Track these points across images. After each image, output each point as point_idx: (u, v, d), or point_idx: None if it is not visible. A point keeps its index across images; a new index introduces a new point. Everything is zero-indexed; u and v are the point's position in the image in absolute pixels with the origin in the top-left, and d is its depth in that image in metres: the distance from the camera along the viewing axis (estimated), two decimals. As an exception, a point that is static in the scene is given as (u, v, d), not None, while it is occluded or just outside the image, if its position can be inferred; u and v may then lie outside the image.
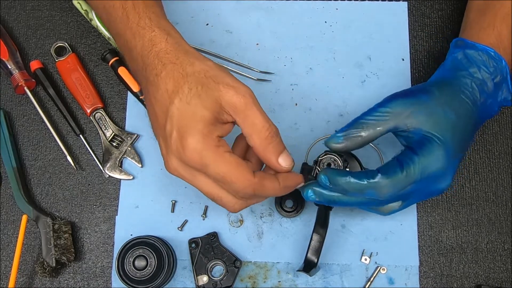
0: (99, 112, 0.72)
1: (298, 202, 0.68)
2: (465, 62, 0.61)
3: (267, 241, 0.68)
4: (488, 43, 0.62)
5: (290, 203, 0.68)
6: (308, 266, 0.61)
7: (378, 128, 0.58)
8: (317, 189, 0.58)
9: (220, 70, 0.55)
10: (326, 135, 0.61)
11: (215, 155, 0.52)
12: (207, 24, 0.75)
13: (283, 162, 0.55)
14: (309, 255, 0.61)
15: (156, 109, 0.55)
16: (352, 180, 0.56)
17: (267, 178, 0.55)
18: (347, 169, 0.59)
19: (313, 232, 0.61)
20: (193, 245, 0.67)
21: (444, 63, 0.64)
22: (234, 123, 0.55)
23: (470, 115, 0.60)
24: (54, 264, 0.66)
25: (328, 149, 0.59)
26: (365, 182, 0.55)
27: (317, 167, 0.59)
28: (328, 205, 0.60)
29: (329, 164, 0.59)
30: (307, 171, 0.60)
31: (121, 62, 0.72)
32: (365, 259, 0.67)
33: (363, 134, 0.57)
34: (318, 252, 0.61)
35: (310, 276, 0.62)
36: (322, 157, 0.59)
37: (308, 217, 0.69)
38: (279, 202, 0.68)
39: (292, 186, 0.57)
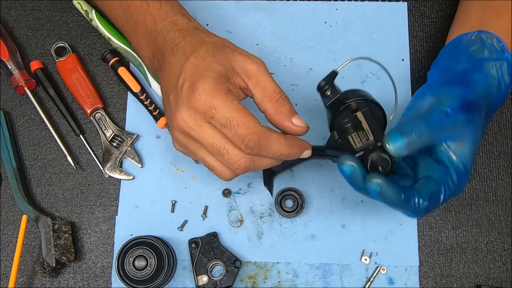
0: (99, 112, 0.72)
1: (298, 202, 0.68)
2: (494, 72, 0.60)
3: (267, 241, 0.68)
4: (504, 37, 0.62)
5: (290, 203, 0.69)
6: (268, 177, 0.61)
7: (434, 139, 0.55)
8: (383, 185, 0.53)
9: (237, 47, 0.58)
10: (358, 57, 0.60)
11: (224, 98, 0.52)
12: (207, 24, 0.75)
13: (297, 121, 0.55)
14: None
15: (171, 71, 0.56)
16: (397, 197, 0.53)
17: (274, 132, 0.53)
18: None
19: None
20: (193, 245, 0.67)
21: (456, 58, 0.63)
22: (244, 91, 0.56)
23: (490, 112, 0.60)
24: (54, 264, 0.66)
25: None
26: (407, 205, 0.53)
27: (371, 159, 0.54)
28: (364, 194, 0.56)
29: (381, 166, 0.54)
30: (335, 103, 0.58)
31: (121, 62, 0.72)
32: (365, 259, 0.67)
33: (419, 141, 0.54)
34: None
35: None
36: (380, 154, 0.54)
37: (308, 217, 0.69)
38: (279, 202, 0.68)
39: (298, 148, 0.55)
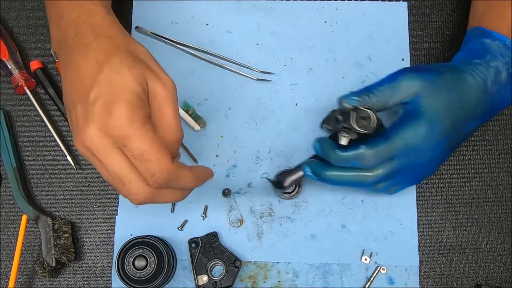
0: (99, 112, 0.72)
1: (296, 183, 0.68)
2: (481, 50, 0.62)
3: (267, 241, 0.68)
4: (505, 32, 0.62)
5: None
6: (278, 183, 0.66)
7: (389, 98, 0.60)
8: (314, 166, 0.61)
9: (152, 57, 0.55)
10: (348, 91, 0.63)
11: (141, 128, 0.49)
12: (207, 24, 0.75)
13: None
14: (286, 179, 0.65)
15: (79, 75, 0.52)
16: (338, 151, 0.59)
17: (183, 167, 0.53)
18: (382, 127, 0.61)
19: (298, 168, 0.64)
20: (193, 245, 0.67)
21: (459, 51, 0.65)
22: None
23: (478, 101, 0.60)
24: (54, 264, 0.66)
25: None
26: (350, 153, 0.58)
27: (353, 116, 0.59)
28: (325, 182, 0.62)
29: (364, 118, 0.59)
30: (335, 119, 0.62)
31: (121, 62, 0.72)
32: (365, 259, 0.67)
33: (374, 100, 0.60)
34: (291, 181, 0.65)
35: (274, 190, 0.68)
36: (361, 108, 0.59)
37: (308, 217, 0.69)
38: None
39: (204, 179, 0.56)
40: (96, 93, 0.50)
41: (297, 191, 0.69)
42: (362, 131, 0.58)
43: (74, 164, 0.71)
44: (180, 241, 0.68)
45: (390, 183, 0.61)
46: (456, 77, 0.60)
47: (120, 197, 0.70)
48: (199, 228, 0.69)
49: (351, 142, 0.60)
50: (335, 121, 0.62)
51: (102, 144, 0.49)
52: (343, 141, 0.59)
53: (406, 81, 0.59)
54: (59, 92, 0.73)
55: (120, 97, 0.49)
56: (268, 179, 0.68)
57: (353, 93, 0.60)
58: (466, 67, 0.61)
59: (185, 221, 0.69)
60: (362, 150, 0.58)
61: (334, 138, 0.61)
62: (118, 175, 0.50)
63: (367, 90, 0.60)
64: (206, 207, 0.70)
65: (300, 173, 0.64)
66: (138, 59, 0.53)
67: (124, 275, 0.63)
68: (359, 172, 0.60)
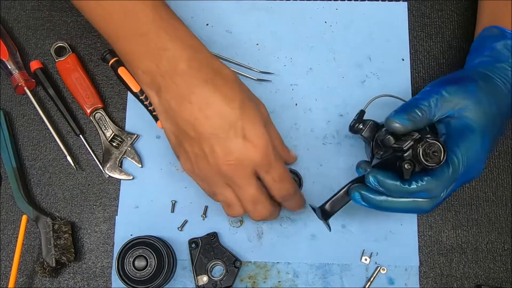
0: (99, 112, 0.72)
1: (296, 181, 0.68)
2: (506, 53, 0.61)
3: (267, 241, 0.68)
4: None
5: None
6: (326, 213, 0.60)
7: (432, 116, 0.57)
8: (365, 193, 0.57)
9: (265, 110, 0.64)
10: (381, 95, 0.63)
11: (279, 160, 0.60)
12: (207, 24, 0.75)
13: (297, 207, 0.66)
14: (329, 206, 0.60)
15: (208, 110, 0.57)
16: (401, 184, 0.55)
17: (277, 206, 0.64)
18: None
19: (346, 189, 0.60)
20: (193, 245, 0.67)
21: (474, 53, 0.64)
22: None
23: (508, 106, 0.60)
24: (54, 264, 0.66)
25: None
26: (415, 187, 0.55)
27: (420, 149, 0.54)
28: (375, 209, 0.58)
29: (434, 152, 0.54)
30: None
31: (121, 62, 0.72)
32: (365, 259, 0.67)
33: (418, 118, 0.56)
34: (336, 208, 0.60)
35: (326, 222, 0.60)
36: (430, 140, 0.54)
37: (308, 217, 0.69)
38: None
39: (302, 204, 0.66)
40: (241, 122, 0.57)
41: (300, 185, 0.69)
42: (432, 165, 0.54)
43: (74, 164, 0.71)
44: (180, 241, 0.68)
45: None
46: (490, 85, 0.59)
47: (120, 197, 0.70)
48: (199, 228, 0.69)
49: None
50: (389, 148, 0.57)
51: (243, 171, 0.58)
52: (406, 174, 0.54)
53: (451, 94, 0.57)
54: (59, 92, 0.73)
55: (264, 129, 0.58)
56: (313, 208, 0.62)
57: (399, 112, 0.56)
58: (494, 73, 0.60)
59: (185, 221, 0.69)
60: (428, 181, 0.54)
61: (384, 164, 0.57)
62: (256, 197, 0.60)
63: (413, 107, 0.57)
64: (206, 207, 0.70)
65: (349, 200, 0.59)
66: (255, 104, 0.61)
67: (124, 275, 0.63)
68: (419, 199, 0.56)
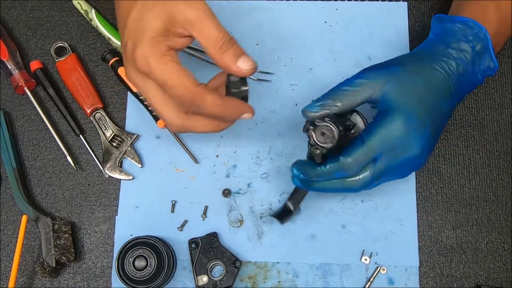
0: (99, 112, 0.72)
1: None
2: (443, 34, 0.63)
3: (267, 241, 0.68)
4: (470, 15, 0.62)
5: None
6: (283, 214, 0.66)
7: (353, 98, 0.59)
8: (300, 179, 0.61)
9: None
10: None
11: (159, 62, 0.54)
12: (207, 24, 0.75)
13: (243, 64, 0.56)
14: (288, 202, 0.66)
15: (119, 24, 0.59)
16: (318, 167, 0.59)
17: (211, 92, 0.56)
18: (352, 132, 0.60)
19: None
20: (193, 245, 0.67)
21: (424, 41, 0.65)
22: (191, 36, 0.57)
23: (445, 84, 0.60)
24: (54, 264, 0.66)
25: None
26: (328, 167, 0.58)
27: (314, 132, 0.58)
28: (313, 190, 0.62)
29: (323, 133, 0.58)
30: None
31: (121, 62, 0.72)
32: (365, 259, 0.67)
33: (338, 104, 0.59)
34: (297, 201, 0.66)
35: (281, 223, 0.67)
36: (318, 123, 0.58)
37: (308, 217, 0.69)
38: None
39: (235, 109, 0.59)
40: (126, 36, 0.56)
41: None
42: (326, 145, 0.58)
43: (74, 164, 0.71)
44: (180, 241, 0.68)
45: (382, 181, 0.61)
46: (418, 64, 0.61)
47: (120, 197, 0.70)
48: (199, 228, 0.69)
49: (333, 151, 0.58)
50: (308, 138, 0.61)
51: (139, 79, 0.57)
52: (317, 158, 0.58)
53: (369, 78, 0.59)
54: (59, 92, 0.73)
55: (142, 36, 0.55)
56: (273, 216, 0.67)
57: (315, 101, 0.60)
58: (427, 53, 0.62)
59: (185, 221, 0.69)
60: (341, 160, 0.57)
61: (310, 157, 0.60)
62: (154, 104, 0.58)
63: (330, 94, 0.60)
64: (206, 208, 0.70)
65: (304, 191, 0.66)
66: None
67: (124, 276, 0.63)
68: (345, 179, 0.59)
